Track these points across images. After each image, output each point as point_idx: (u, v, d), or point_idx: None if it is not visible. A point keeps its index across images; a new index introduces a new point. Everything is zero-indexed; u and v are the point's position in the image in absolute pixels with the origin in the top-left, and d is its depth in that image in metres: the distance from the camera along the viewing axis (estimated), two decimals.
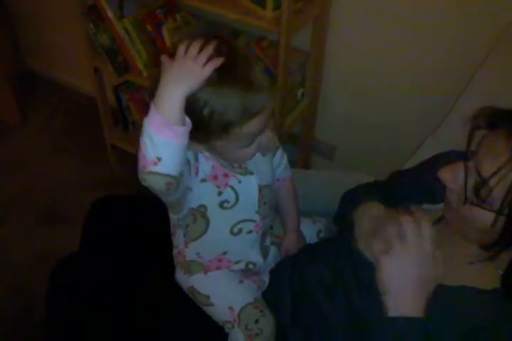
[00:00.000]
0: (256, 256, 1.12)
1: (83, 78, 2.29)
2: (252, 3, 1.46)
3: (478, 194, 0.77)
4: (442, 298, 0.84)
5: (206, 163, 0.97)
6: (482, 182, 0.76)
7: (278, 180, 1.16)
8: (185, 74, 0.80)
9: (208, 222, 1.03)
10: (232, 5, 1.50)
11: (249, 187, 1.02)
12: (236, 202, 1.02)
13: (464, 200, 0.80)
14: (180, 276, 1.14)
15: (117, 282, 1.19)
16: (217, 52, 0.82)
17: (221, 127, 0.86)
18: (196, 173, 0.96)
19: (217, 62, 0.80)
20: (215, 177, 0.98)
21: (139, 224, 1.29)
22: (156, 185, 0.85)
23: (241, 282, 1.09)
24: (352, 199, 1.09)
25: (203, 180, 0.98)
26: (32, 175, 2.25)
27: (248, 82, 0.85)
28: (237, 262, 1.11)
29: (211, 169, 0.98)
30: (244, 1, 1.47)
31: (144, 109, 2.01)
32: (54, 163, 2.30)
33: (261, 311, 1.04)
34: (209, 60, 0.80)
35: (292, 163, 1.22)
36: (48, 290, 1.22)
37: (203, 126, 0.85)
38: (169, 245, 1.14)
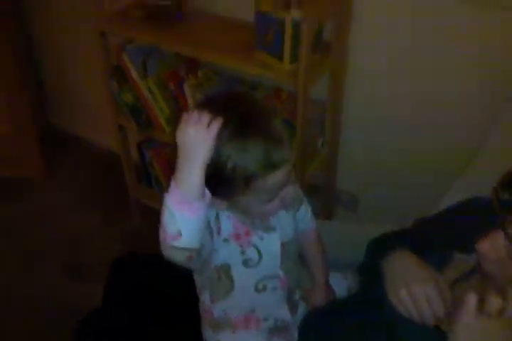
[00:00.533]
0: (284, 313, 1.10)
1: (107, 134, 2.34)
2: (269, 56, 1.48)
3: None
4: None
5: (227, 221, 0.97)
6: None
7: (302, 232, 1.14)
8: (195, 143, 0.79)
9: (232, 281, 1.02)
10: (249, 59, 1.52)
11: (271, 244, 1.02)
12: (259, 260, 1.01)
13: None
14: (208, 334, 1.12)
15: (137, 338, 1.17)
16: (215, 113, 0.81)
17: (244, 181, 0.85)
18: (218, 233, 0.96)
19: (220, 120, 0.80)
20: (238, 237, 0.98)
21: (161, 281, 1.28)
22: (177, 258, 0.86)
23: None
24: (379, 248, 1.06)
25: (226, 240, 0.97)
26: (54, 228, 2.27)
27: (269, 134, 0.85)
28: (265, 319, 1.09)
29: (232, 227, 0.97)
30: (261, 54, 1.50)
31: (167, 166, 2.04)
32: (76, 217, 2.33)
33: None
34: (211, 120, 0.80)
35: (314, 215, 1.20)
36: None
37: (227, 181, 0.85)
38: (190, 302, 1.13)
